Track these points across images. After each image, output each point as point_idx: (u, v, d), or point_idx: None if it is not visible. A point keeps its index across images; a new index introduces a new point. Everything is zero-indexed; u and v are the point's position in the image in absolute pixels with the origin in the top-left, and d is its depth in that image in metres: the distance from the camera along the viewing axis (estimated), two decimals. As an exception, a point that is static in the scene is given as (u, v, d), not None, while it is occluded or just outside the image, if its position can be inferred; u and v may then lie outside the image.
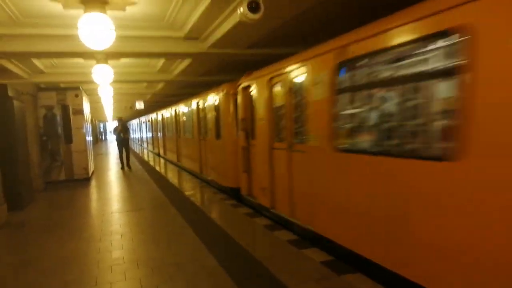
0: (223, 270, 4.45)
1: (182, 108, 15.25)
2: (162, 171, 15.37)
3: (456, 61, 3.09)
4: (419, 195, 3.49)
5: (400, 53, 3.79)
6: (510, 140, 2.67)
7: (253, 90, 7.63)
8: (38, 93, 11.41)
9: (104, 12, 5.54)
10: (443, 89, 3.40)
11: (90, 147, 13.92)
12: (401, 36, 3.72)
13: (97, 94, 14.67)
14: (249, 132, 7.97)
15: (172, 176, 13.54)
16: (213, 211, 7.81)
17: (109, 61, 9.07)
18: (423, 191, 3.44)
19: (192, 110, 13.00)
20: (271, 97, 6.77)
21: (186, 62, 9.99)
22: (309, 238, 5.47)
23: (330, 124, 4.82)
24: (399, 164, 3.75)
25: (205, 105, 11.34)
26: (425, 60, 3.50)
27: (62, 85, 12.27)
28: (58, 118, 11.78)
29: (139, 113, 34.41)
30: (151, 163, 19.15)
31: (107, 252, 5.26)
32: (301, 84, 5.80)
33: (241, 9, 4.83)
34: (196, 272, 4.42)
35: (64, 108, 11.81)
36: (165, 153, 21.01)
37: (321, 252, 5.17)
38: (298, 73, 5.81)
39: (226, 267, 4.53)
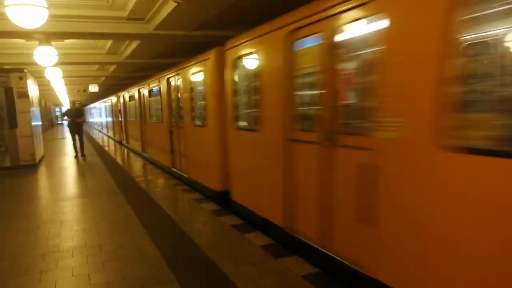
0: (162, 257, 4.39)
1: (107, 102, 25.80)
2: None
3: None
4: None
5: None
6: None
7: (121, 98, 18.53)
8: (-22, 75, 10.74)
9: (35, -12, 5.21)
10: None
11: (38, 131, 13.30)
12: None
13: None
14: (122, 115, 18.66)
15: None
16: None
17: (52, 42, 8.61)
18: None
19: (111, 103, 23.65)
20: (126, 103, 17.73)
21: (134, 44, 9.66)
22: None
23: None
24: None
25: (113, 101, 21.92)
26: None
27: (6, 67, 11.58)
28: (1, 101, 11.13)
29: (96, 98, 33.54)
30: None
31: (43, 240, 5.07)
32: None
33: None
34: (133, 260, 4.34)
35: (7, 91, 11.13)
36: (102, 129, 31.64)
37: (263, 236, 5.22)
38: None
39: (165, 254, 4.48)
